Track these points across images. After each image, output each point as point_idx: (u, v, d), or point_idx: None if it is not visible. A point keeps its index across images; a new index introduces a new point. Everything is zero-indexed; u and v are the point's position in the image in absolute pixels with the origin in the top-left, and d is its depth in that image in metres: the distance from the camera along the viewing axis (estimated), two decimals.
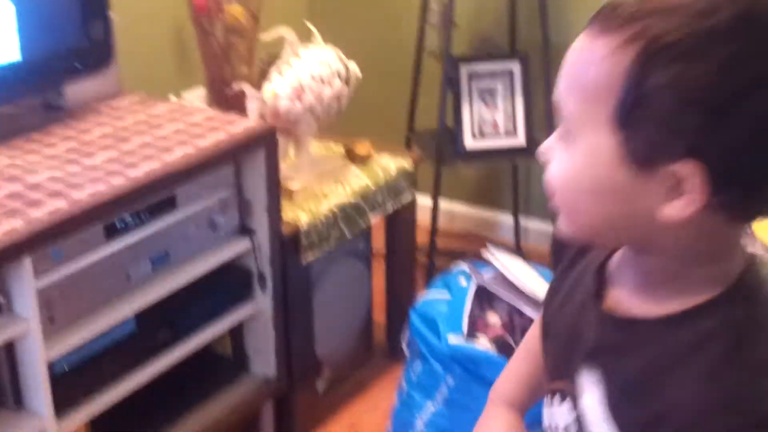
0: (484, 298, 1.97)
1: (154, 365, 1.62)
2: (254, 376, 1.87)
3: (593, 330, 0.83)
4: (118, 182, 1.47)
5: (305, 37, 1.94)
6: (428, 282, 2.37)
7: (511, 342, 1.91)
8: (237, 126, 1.71)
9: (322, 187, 1.96)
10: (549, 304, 0.94)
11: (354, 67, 1.99)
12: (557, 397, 0.89)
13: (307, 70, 1.91)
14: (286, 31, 1.90)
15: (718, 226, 0.74)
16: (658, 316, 0.77)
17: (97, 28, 1.71)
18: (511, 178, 2.72)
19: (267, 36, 1.91)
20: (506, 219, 2.78)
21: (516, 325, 1.95)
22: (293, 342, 1.88)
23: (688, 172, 0.70)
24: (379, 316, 2.24)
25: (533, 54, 2.44)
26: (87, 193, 1.44)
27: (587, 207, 0.76)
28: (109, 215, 1.48)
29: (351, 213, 1.96)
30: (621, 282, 0.83)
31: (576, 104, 0.74)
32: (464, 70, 2.43)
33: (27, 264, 1.33)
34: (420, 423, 1.90)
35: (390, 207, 2.08)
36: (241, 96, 1.90)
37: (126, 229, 1.54)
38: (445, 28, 2.37)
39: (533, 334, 1.08)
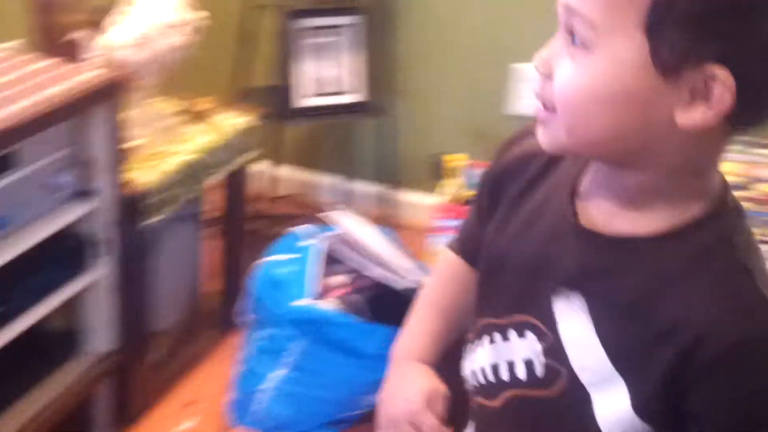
0: (327, 260, 1.94)
1: None
2: (89, 353, 1.74)
3: (572, 255, 0.82)
4: None
5: None
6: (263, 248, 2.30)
7: (357, 301, 1.90)
8: (78, 77, 1.57)
9: (164, 144, 1.85)
10: (495, 240, 0.92)
11: (197, 15, 1.88)
12: (513, 333, 0.88)
13: (150, 17, 1.78)
14: None
15: (719, 137, 0.76)
16: (649, 233, 0.78)
17: None
18: (343, 139, 2.67)
19: None
20: (329, 180, 2.73)
21: (361, 286, 1.93)
22: (131, 314, 1.77)
23: (718, 77, 0.71)
24: (215, 284, 2.14)
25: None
26: None
27: (599, 118, 0.75)
28: None
29: (197, 171, 1.86)
30: (597, 203, 0.82)
31: (601, 10, 0.72)
32: (301, 24, 2.35)
33: None
34: (267, 390, 1.84)
35: (236, 165, 1.99)
36: (72, 47, 1.75)
37: None
38: None
39: (437, 289, 1.06)
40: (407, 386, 1.02)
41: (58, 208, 1.59)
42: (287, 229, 2.01)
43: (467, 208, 2.02)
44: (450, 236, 2.01)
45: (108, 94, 1.59)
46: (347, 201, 2.64)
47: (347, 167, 2.65)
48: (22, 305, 1.55)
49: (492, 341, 0.92)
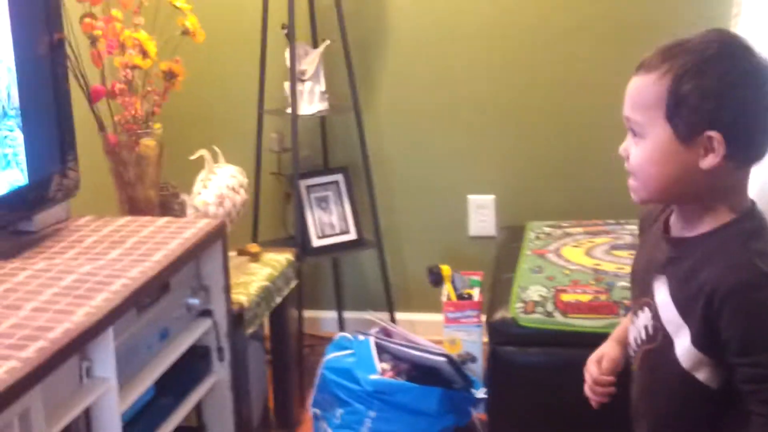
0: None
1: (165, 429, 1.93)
2: None
3: (662, 253, 1.36)
4: (136, 276, 1.80)
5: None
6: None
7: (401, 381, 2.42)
8: (194, 226, 2.10)
9: (238, 277, 2.37)
10: (636, 260, 1.47)
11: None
12: (640, 311, 1.39)
13: (223, 182, 2.35)
14: (204, 153, 2.33)
15: (730, 171, 1.28)
16: (696, 234, 1.32)
17: (71, 161, 2.04)
18: (332, 276, 3.23)
19: (192, 156, 2.33)
20: (325, 314, 3.26)
21: (401, 369, 2.46)
22: (242, 410, 2.24)
23: (713, 137, 1.25)
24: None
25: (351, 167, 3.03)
26: (121, 284, 1.76)
27: (656, 176, 1.29)
28: (138, 299, 1.81)
29: (269, 294, 2.38)
30: (675, 224, 1.37)
31: (641, 115, 1.29)
32: (302, 184, 2.95)
33: (110, 333, 1.65)
34: None
35: (288, 291, 2.52)
36: (153, 211, 2.29)
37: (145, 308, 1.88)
38: (286, 152, 2.91)
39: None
40: (597, 350, 1.55)
41: (191, 324, 2.09)
42: (336, 335, 2.53)
43: (464, 302, 2.61)
44: (460, 326, 2.58)
45: (216, 237, 2.12)
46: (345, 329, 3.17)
47: (347, 301, 3.20)
48: (173, 404, 2.01)
49: (633, 321, 1.43)
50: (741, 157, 1.27)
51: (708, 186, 1.28)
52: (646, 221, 1.47)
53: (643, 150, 1.29)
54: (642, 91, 1.29)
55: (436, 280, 2.77)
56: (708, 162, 1.25)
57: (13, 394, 1.38)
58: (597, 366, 1.52)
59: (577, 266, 2.36)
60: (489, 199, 3.09)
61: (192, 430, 2.18)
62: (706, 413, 1.33)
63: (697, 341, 1.28)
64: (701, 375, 1.30)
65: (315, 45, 2.93)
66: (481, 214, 3.10)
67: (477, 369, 2.64)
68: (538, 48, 2.95)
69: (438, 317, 2.74)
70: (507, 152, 3.05)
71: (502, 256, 2.62)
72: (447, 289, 2.75)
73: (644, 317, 1.37)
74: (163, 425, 1.93)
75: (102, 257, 1.88)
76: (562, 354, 2.14)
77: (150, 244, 1.96)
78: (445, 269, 2.77)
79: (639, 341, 1.40)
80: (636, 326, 1.41)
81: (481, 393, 2.52)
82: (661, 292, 1.34)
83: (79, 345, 1.57)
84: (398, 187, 3.13)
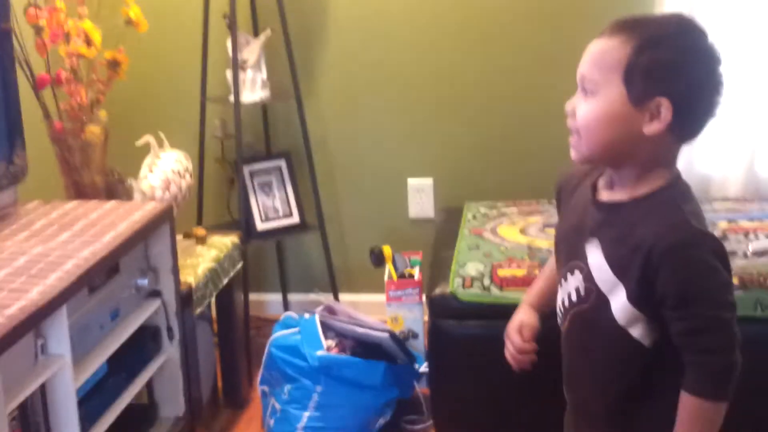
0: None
1: (118, 405, 1.99)
2: (165, 419, 2.26)
3: (592, 218, 1.44)
4: (87, 257, 1.86)
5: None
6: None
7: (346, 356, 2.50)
8: (142, 209, 2.16)
9: (185, 258, 2.44)
10: (560, 224, 1.56)
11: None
12: (569, 274, 1.46)
13: (168, 167, 2.41)
14: (149, 139, 2.39)
15: (669, 143, 1.38)
16: (629, 198, 1.41)
17: (18, 147, 2.09)
18: (276, 259, 3.30)
19: (138, 142, 2.38)
20: (271, 297, 3.34)
21: (345, 345, 2.54)
22: (191, 386, 2.31)
23: (662, 103, 1.33)
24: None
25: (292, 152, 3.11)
26: (73, 264, 1.82)
27: (601, 133, 1.37)
28: (90, 279, 1.87)
29: (215, 276, 2.45)
30: (604, 189, 1.45)
31: (598, 74, 1.36)
32: (246, 170, 3.02)
33: (63, 311, 1.71)
34: (299, 430, 2.41)
35: (233, 273, 2.59)
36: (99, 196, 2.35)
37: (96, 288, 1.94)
38: (229, 138, 2.97)
39: (548, 264, 1.67)
40: (514, 317, 1.65)
41: (141, 304, 2.15)
42: (282, 315, 2.62)
43: (405, 281, 2.71)
44: (401, 303, 2.67)
45: (164, 220, 2.18)
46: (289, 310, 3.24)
47: (291, 283, 3.27)
48: (125, 381, 2.07)
49: (561, 284, 1.51)
50: (681, 130, 1.36)
51: (646, 151, 1.37)
52: (565, 189, 1.55)
53: (593, 107, 1.37)
54: (604, 52, 1.37)
55: (378, 260, 2.86)
56: (652, 128, 1.34)
57: None
58: (518, 335, 1.61)
59: (513, 243, 2.46)
60: (427, 182, 3.19)
61: (144, 408, 2.24)
62: (639, 370, 1.42)
63: (632, 298, 1.37)
64: (635, 332, 1.40)
65: (256, 34, 3.00)
66: (420, 197, 3.20)
67: (419, 345, 2.75)
68: (476, 34, 3.05)
69: (381, 297, 2.84)
70: (444, 136, 3.15)
71: (441, 236, 2.72)
72: (388, 269, 2.84)
73: (574, 280, 1.45)
74: (115, 402, 2.00)
75: (53, 239, 1.93)
76: (500, 326, 2.21)
77: (99, 227, 2.02)
78: (387, 250, 2.87)
79: (567, 303, 1.48)
80: (564, 289, 1.49)
81: (423, 367, 2.63)
82: (594, 255, 1.42)
83: (34, 322, 1.62)
84: (339, 172, 3.21)
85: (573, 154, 1.43)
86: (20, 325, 1.56)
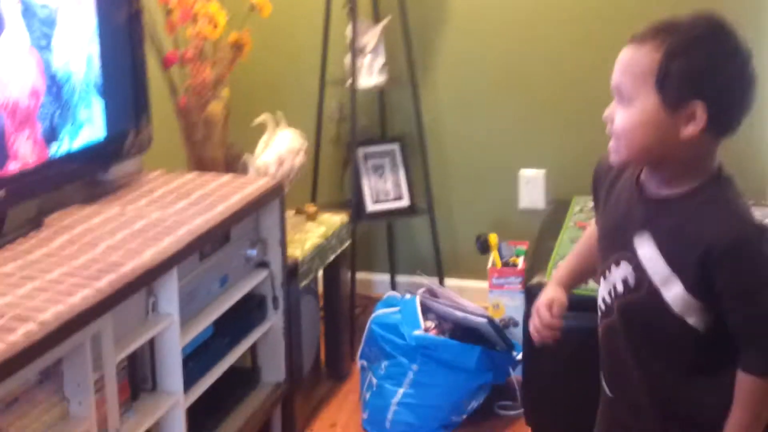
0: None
1: (221, 366, 2.12)
2: (266, 384, 2.38)
3: (640, 211, 1.46)
4: (200, 224, 1.99)
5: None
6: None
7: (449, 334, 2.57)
8: (255, 184, 2.28)
9: (295, 234, 2.55)
10: (602, 215, 1.58)
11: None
12: (613, 266, 1.50)
13: (283, 145, 2.52)
14: (267, 117, 2.51)
15: (707, 142, 1.39)
16: (676, 194, 1.43)
17: (145, 119, 2.24)
18: (386, 241, 3.39)
19: (256, 121, 2.51)
20: (379, 277, 3.43)
21: (445, 328, 2.61)
22: (293, 354, 2.42)
23: (697, 107, 1.33)
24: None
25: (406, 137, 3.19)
26: (185, 231, 1.94)
27: (639, 138, 1.39)
28: (201, 246, 2.00)
29: (322, 251, 2.55)
30: (649, 185, 1.47)
31: (631, 82, 1.39)
32: (360, 152, 3.12)
33: (174, 273, 1.84)
34: (393, 405, 2.49)
35: (341, 250, 2.69)
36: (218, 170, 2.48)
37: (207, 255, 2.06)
38: (345, 121, 3.08)
39: (581, 242, 1.70)
40: (543, 293, 1.67)
41: (249, 273, 2.27)
42: (385, 294, 2.70)
43: (508, 269, 2.76)
44: (503, 291, 2.72)
45: (275, 194, 2.30)
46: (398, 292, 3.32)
47: (400, 265, 3.36)
48: (230, 344, 2.20)
49: (605, 277, 1.53)
50: (718, 130, 1.38)
51: (684, 152, 1.39)
52: (603, 179, 1.57)
53: (630, 115, 1.39)
54: (635, 61, 1.39)
55: (484, 247, 2.92)
56: (689, 131, 1.36)
57: (86, 318, 1.58)
58: (548, 310, 1.63)
59: None
60: (539, 173, 3.21)
61: (247, 371, 2.37)
62: (693, 355, 1.45)
63: (692, 289, 1.40)
64: (691, 319, 1.42)
65: (376, 21, 3.08)
66: (531, 188, 3.22)
67: (518, 333, 2.78)
68: (593, 28, 3.06)
69: (484, 284, 2.89)
70: (558, 129, 3.16)
71: (546, 227, 2.75)
72: (493, 257, 2.89)
73: (622, 271, 1.47)
74: (219, 362, 2.12)
75: (170, 206, 2.07)
76: (594, 318, 2.26)
77: (214, 198, 2.15)
78: (492, 238, 2.91)
79: (613, 294, 1.51)
80: (609, 281, 1.52)
81: (520, 356, 2.67)
82: (646, 247, 1.45)
83: (145, 280, 1.76)
84: (452, 159, 3.27)
85: (612, 157, 1.46)
86: (133, 282, 1.70)
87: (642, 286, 1.45)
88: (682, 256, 1.40)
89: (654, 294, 1.44)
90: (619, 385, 1.56)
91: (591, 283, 2.23)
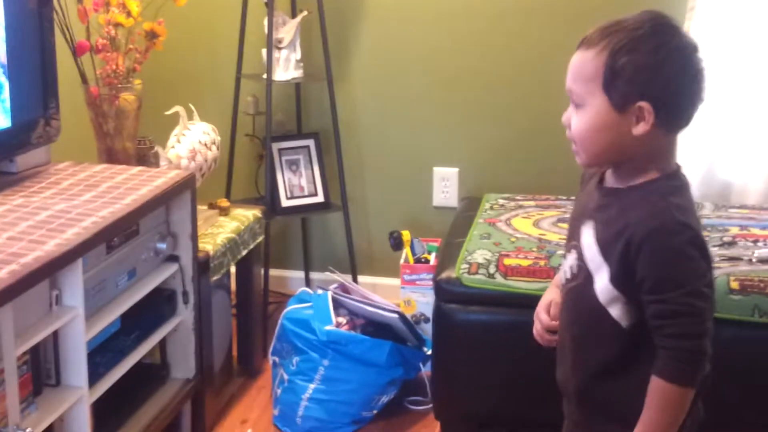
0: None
1: (128, 361, 2.09)
2: (175, 380, 2.35)
3: (594, 200, 1.51)
4: (106, 216, 1.95)
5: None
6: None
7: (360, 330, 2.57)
8: (165, 176, 2.25)
9: (207, 228, 2.52)
10: (573, 209, 1.62)
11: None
12: (568, 253, 1.54)
13: (196, 138, 2.49)
14: (180, 109, 2.48)
15: (661, 137, 1.43)
16: (625, 186, 1.47)
17: (53, 109, 2.19)
18: (300, 238, 3.39)
19: (168, 112, 2.47)
20: (293, 274, 3.43)
21: (356, 324, 2.62)
22: (203, 350, 2.39)
23: (643, 107, 1.38)
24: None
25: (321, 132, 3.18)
26: (91, 222, 1.91)
27: (595, 141, 1.44)
28: (108, 237, 1.96)
29: (234, 246, 2.53)
30: (609, 177, 1.51)
31: (581, 87, 1.43)
32: (275, 147, 3.10)
33: (79, 264, 1.80)
34: (303, 401, 2.48)
35: (253, 245, 2.68)
36: (129, 162, 2.44)
37: (114, 247, 2.03)
38: (260, 115, 3.05)
39: None
40: (544, 297, 1.69)
41: (159, 267, 2.24)
42: (298, 290, 2.70)
43: (420, 266, 2.78)
44: (415, 287, 2.74)
45: (186, 186, 2.27)
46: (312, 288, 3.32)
47: (314, 262, 3.36)
48: (138, 339, 2.16)
49: (562, 263, 1.59)
50: (668, 125, 1.42)
51: (640, 150, 1.43)
52: (584, 177, 1.63)
53: (583, 119, 1.44)
54: (582, 65, 1.44)
55: (397, 244, 2.93)
56: (639, 129, 1.40)
57: None
58: (546, 313, 1.66)
59: (524, 235, 2.51)
60: (453, 171, 3.24)
61: (156, 367, 2.34)
62: (614, 351, 1.49)
63: (614, 280, 1.44)
64: (614, 311, 1.46)
65: (293, 15, 3.07)
66: (445, 186, 3.26)
67: (429, 329, 2.80)
68: (509, 29, 3.10)
69: (397, 281, 2.90)
70: (473, 128, 3.20)
71: (457, 224, 2.78)
72: (406, 253, 2.91)
73: (571, 258, 1.53)
74: (125, 358, 2.09)
75: (76, 198, 2.03)
76: (501, 313, 2.30)
77: (122, 189, 2.11)
78: (405, 234, 2.93)
79: (564, 280, 1.56)
80: (563, 267, 1.57)
81: (430, 351, 2.69)
82: (587, 235, 1.49)
83: (48, 271, 1.72)
84: (367, 156, 3.28)
85: (577, 159, 1.50)
86: (34, 273, 1.66)
87: (581, 274, 1.50)
88: (610, 245, 1.45)
89: (588, 282, 1.48)
90: (560, 369, 1.61)
91: (502, 280, 2.28)
